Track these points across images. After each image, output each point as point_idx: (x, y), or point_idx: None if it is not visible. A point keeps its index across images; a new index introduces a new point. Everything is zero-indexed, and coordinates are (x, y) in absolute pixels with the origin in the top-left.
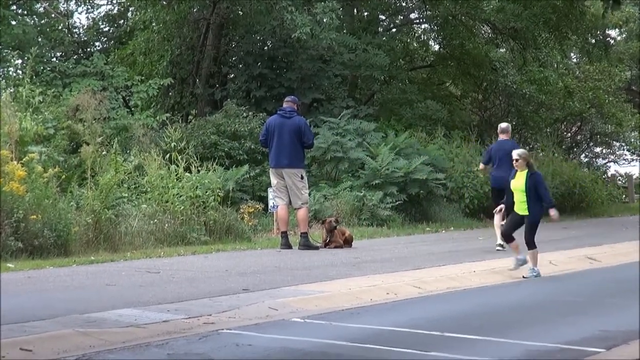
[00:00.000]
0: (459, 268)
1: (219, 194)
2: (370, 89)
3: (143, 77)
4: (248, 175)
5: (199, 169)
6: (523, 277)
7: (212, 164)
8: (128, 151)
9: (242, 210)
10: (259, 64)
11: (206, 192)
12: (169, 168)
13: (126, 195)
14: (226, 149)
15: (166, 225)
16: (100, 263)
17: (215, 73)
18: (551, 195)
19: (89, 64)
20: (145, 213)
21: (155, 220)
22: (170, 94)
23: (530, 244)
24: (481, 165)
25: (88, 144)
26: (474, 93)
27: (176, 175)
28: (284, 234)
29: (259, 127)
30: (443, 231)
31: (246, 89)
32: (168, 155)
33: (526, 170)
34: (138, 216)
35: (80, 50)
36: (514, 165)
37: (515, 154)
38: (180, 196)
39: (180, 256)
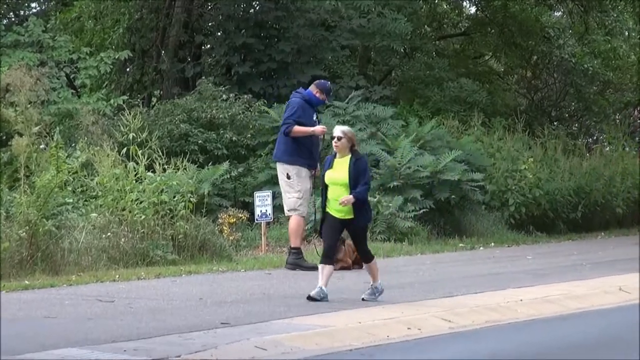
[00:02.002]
0: (501, 296)
1: (191, 199)
2: (387, 64)
3: (93, 49)
4: (228, 176)
5: (165, 167)
6: (362, 299)
7: (182, 161)
8: (73, 144)
9: (220, 220)
10: (243, 31)
11: (174, 197)
12: (126, 166)
13: (71, 201)
14: (200, 142)
15: (122, 240)
16: (36, 289)
17: (186, 43)
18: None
19: (23, 31)
20: (96, 224)
21: (109, 234)
22: (127, 70)
23: (366, 256)
24: None
25: (21, 135)
26: (521, 69)
27: (135, 175)
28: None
29: (242, 113)
30: (481, 248)
31: (226, 63)
32: (125, 150)
33: (349, 156)
34: (86, 228)
35: (11, 13)
36: (334, 146)
37: (338, 130)
38: (141, 202)
39: (141, 280)
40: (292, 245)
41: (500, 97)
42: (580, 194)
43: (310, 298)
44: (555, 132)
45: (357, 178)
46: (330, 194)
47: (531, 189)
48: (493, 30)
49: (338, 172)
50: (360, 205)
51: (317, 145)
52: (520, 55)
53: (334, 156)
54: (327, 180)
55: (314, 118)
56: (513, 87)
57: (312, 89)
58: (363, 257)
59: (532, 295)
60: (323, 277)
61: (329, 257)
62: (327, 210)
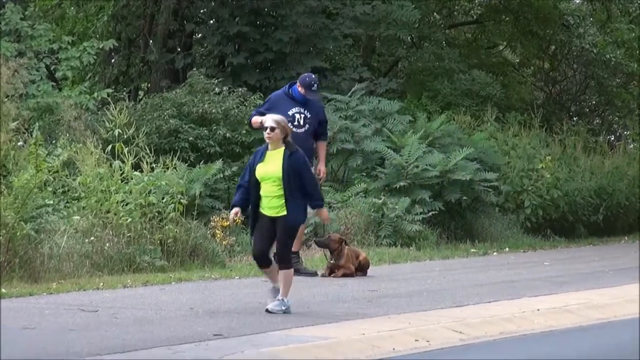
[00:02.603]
0: (516, 305)
1: (181, 200)
2: (393, 55)
3: (75, 38)
4: (222, 175)
5: (154, 166)
6: (267, 310)
7: (172, 159)
8: (54, 141)
9: (213, 223)
10: (237, 19)
11: (163, 198)
12: (111, 165)
13: (51, 202)
14: (191, 139)
15: (107, 244)
16: (14, 297)
17: (176, 32)
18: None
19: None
20: (78, 228)
21: (92, 238)
22: (113, 61)
23: (286, 260)
24: None
25: None
26: (537, 60)
27: (121, 174)
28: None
29: (236, 107)
30: (494, 253)
31: (219, 54)
32: (110, 147)
33: (283, 148)
34: (68, 232)
35: None
36: (266, 137)
37: (270, 120)
38: (127, 204)
39: (127, 288)
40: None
41: (515, 90)
42: (602, 195)
43: (268, 311)
44: (575, 128)
45: (297, 174)
46: (262, 190)
47: (549, 189)
48: (508, 18)
49: (270, 166)
50: (297, 202)
51: (298, 141)
52: (537, 45)
53: (266, 148)
54: (258, 175)
55: (291, 113)
56: (529, 80)
57: (297, 84)
58: (281, 262)
59: (549, 304)
60: (273, 278)
61: (262, 261)
62: (260, 209)
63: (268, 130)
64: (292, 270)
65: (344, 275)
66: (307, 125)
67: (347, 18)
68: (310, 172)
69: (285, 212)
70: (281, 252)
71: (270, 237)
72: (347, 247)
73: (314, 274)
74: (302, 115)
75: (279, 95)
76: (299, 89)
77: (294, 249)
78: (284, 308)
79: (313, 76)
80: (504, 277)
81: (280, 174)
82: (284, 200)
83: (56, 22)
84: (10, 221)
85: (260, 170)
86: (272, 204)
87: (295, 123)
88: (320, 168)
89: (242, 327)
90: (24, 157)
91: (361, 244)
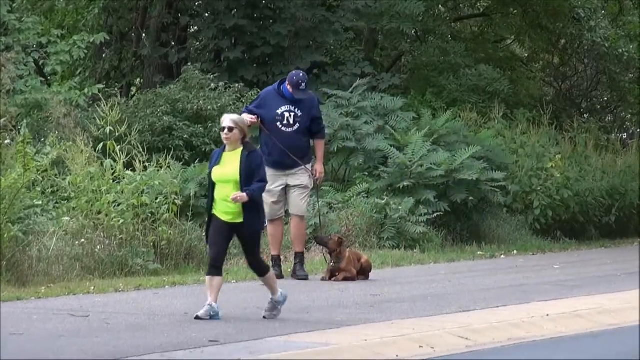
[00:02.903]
0: (525, 310)
1: (176, 201)
2: (397, 49)
3: (65, 32)
4: None
5: (147, 165)
6: (264, 317)
7: (166, 158)
8: (43, 139)
9: None
10: (234, 11)
11: (156, 198)
12: (102, 164)
13: (40, 203)
14: (186, 136)
15: (98, 247)
16: (1, 302)
17: (170, 25)
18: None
19: None
20: (68, 229)
21: (83, 240)
22: (104, 55)
23: (261, 268)
24: None
25: None
26: (547, 54)
27: (113, 174)
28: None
29: (233, 104)
30: (502, 256)
31: (215, 48)
32: (101, 145)
33: (241, 149)
34: (57, 234)
35: None
36: (223, 138)
37: (228, 120)
38: (119, 205)
39: (119, 292)
40: (297, 250)
41: (524, 86)
42: (614, 195)
43: (197, 318)
44: (586, 125)
45: (251, 174)
46: (218, 193)
47: (559, 189)
48: (516, 11)
49: (227, 168)
50: (251, 207)
51: (287, 140)
52: (547, 38)
53: (223, 149)
54: (214, 177)
55: (280, 111)
56: (538, 75)
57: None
58: (255, 269)
59: (559, 309)
60: (212, 290)
61: (216, 267)
62: (214, 212)
63: (225, 130)
64: (271, 271)
65: (345, 279)
66: (297, 124)
67: (349, 10)
68: (263, 173)
69: (241, 220)
70: (253, 263)
71: (226, 242)
72: (348, 249)
73: (305, 278)
74: (292, 114)
75: (269, 93)
76: (288, 86)
77: (298, 250)
78: (279, 307)
79: (301, 74)
80: (512, 280)
81: (238, 177)
82: (240, 207)
83: (45, 15)
84: None
85: (217, 173)
86: (228, 208)
87: (285, 122)
88: (317, 168)
89: (239, 333)
90: (11, 156)
91: (363, 246)
